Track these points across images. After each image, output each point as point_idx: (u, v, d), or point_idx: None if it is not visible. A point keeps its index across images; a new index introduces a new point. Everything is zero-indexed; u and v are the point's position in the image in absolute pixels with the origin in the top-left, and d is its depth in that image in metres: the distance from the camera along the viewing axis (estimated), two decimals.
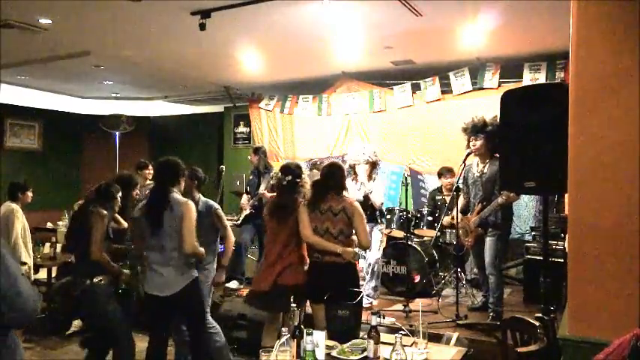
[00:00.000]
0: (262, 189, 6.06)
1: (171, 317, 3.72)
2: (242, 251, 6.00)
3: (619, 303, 2.15)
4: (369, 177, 5.09)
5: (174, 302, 3.52)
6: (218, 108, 9.78)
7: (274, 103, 8.19)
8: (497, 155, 4.37)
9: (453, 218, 5.00)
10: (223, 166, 7.76)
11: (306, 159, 7.43)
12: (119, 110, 9.68)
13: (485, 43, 5.79)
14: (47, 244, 6.21)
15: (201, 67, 7.28)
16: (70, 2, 4.68)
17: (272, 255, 3.84)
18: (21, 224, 5.20)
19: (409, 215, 5.61)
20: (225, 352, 4.06)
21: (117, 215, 4.10)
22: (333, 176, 3.77)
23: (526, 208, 6.61)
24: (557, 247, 4.93)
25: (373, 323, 2.68)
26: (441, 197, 5.99)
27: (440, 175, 6.06)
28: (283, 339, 2.49)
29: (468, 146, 4.69)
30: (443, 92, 6.71)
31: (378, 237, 5.28)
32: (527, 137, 2.81)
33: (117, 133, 9.53)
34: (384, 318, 4.36)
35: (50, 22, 5.25)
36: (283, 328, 2.60)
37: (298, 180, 3.86)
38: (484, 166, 4.64)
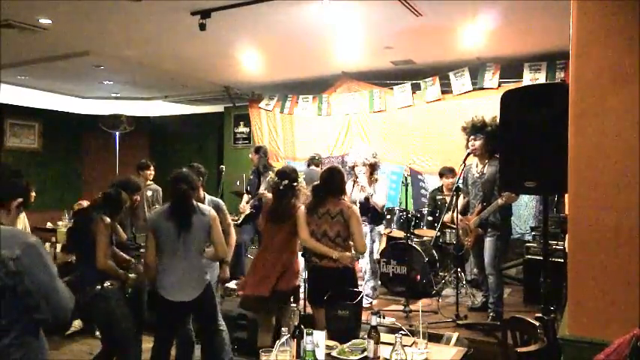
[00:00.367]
0: (262, 189, 6.06)
1: (183, 320, 3.73)
2: (242, 251, 6.01)
3: (619, 303, 2.15)
4: (370, 179, 5.09)
5: (191, 306, 3.53)
6: (218, 108, 9.78)
7: (274, 103, 8.19)
8: (497, 156, 4.37)
9: (452, 215, 5.00)
10: (223, 166, 7.76)
11: (306, 159, 7.42)
12: (119, 110, 9.68)
13: (485, 43, 5.79)
14: (47, 244, 6.21)
15: (201, 67, 7.28)
16: (70, 2, 4.68)
17: (268, 260, 3.85)
18: (22, 224, 5.20)
19: (409, 215, 5.61)
20: (229, 350, 4.11)
21: (118, 226, 3.99)
22: (332, 180, 3.78)
23: (526, 208, 6.61)
24: (557, 247, 4.92)
25: (373, 323, 2.68)
26: (441, 197, 5.98)
27: (441, 175, 6.06)
28: (283, 339, 2.49)
29: (467, 146, 4.69)
30: (443, 92, 6.71)
31: (378, 238, 5.30)
32: (527, 137, 2.81)
33: (117, 133, 9.53)
34: (384, 318, 4.36)
35: (50, 22, 5.26)
36: (283, 328, 2.60)
37: (294, 184, 3.86)
38: (483, 167, 4.64)
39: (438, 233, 5.55)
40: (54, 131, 9.63)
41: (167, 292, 3.51)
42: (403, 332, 2.82)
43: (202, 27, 4.91)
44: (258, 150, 6.44)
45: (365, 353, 2.69)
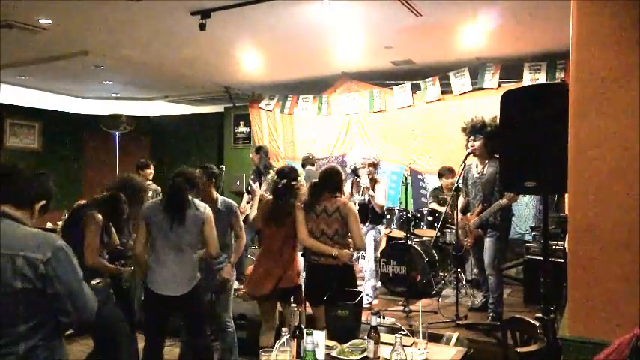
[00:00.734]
0: (263, 189, 6.05)
1: (170, 318, 3.72)
2: (242, 251, 5.99)
3: (619, 303, 2.15)
4: (372, 179, 5.07)
5: (179, 303, 3.52)
6: (218, 108, 9.79)
7: (274, 103, 8.20)
8: (497, 156, 4.37)
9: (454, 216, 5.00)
10: (223, 166, 7.75)
11: None
12: (119, 110, 9.69)
13: (485, 43, 5.79)
14: None
15: (201, 67, 7.28)
16: (70, 2, 4.68)
17: (269, 259, 3.84)
18: None
19: (409, 215, 5.61)
20: (236, 350, 4.17)
21: (113, 229, 3.90)
22: (330, 179, 3.78)
23: (526, 208, 6.60)
24: (557, 247, 4.92)
25: (373, 323, 2.68)
26: (443, 197, 5.98)
27: (441, 175, 6.06)
28: (283, 339, 2.49)
29: (467, 147, 4.69)
30: (443, 92, 6.71)
31: (377, 238, 5.30)
32: (527, 137, 2.81)
33: (117, 133, 9.53)
34: (384, 318, 4.36)
35: (50, 22, 5.26)
36: (283, 329, 2.60)
37: (294, 183, 3.85)
38: (483, 167, 4.64)
39: (438, 233, 5.55)
40: (54, 131, 9.63)
41: (156, 286, 3.50)
42: (403, 332, 2.82)
43: (202, 27, 4.91)
44: (259, 150, 6.44)
45: (365, 353, 2.68)
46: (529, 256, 5.38)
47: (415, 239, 5.81)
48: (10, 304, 1.76)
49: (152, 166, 6.75)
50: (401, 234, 5.59)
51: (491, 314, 4.58)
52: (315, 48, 6.17)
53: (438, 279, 5.80)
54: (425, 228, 5.89)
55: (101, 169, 9.69)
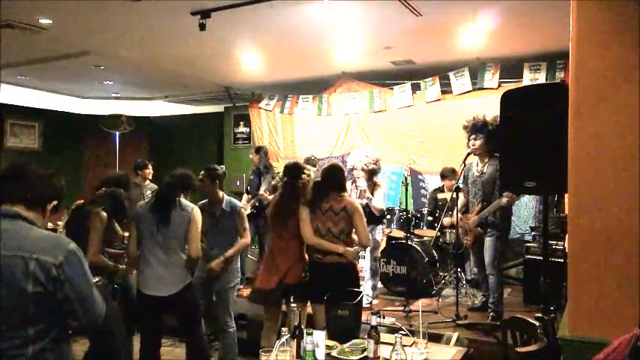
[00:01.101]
0: (263, 189, 6.06)
1: (163, 318, 3.72)
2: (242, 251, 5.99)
3: (619, 303, 2.15)
4: (369, 183, 5.05)
5: (168, 303, 3.52)
6: (218, 108, 9.78)
7: (274, 103, 8.19)
8: (497, 155, 4.37)
9: (452, 217, 5.00)
10: (223, 166, 7.75)
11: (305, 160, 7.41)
12: (119, 110, 9.68)
13: (485, 43, 5.79)
14: None
15: (201, 67, 7.27)
16: (70, 2, 4.68)
17: (276, 255, 3.85)
18: None
19: (409, 215, 5.61)
20: (236, 351, 4.18)
21: (115, 224, 3.97)
22: (333, 176, 3.79)
23: (526, 208, 6.60)
24: (557, 247, 4.92)
25: (373, 323, 2.68)
26: (442, 197, 5.98)
27: (443, 176, 6.04)
28: (283, 339, 2.49)
29: (468, 145, 4.70)
30: (443, 92, 6.70)
31: (378, 238, 5.29)
32: (527, 137, 2.81)
33: (117, 133, 9.53)
34: (384, 318, 4.37)
35: (50, 22, 5.25)
36: (283, 328, 2.60)
37: (300, 180, 3.86)
38: (483, 166, 4.64)
39: (438, 233, 5.55)
40: (54, 131, 9.61)
41: (144, 286, 3.53)
42: (403, 332, 2.83)
43: (202, 27, 4.91)
44: (259, 150, 6.44)
45: (365, 353, 2.69)
46: (529, 256, 5.38)
47: (415, 239, 5.81)
48: (19, 306, 1.75)
49: (150, 166, 6.75)
50: (401, 234, 5.59)
51: (491, 314, 4.58)
52: (315, 48, 6.17)
53: (438, 279, 5.81)
54: (425, 228, 5.90)
55: (101, 169, 9.68)
